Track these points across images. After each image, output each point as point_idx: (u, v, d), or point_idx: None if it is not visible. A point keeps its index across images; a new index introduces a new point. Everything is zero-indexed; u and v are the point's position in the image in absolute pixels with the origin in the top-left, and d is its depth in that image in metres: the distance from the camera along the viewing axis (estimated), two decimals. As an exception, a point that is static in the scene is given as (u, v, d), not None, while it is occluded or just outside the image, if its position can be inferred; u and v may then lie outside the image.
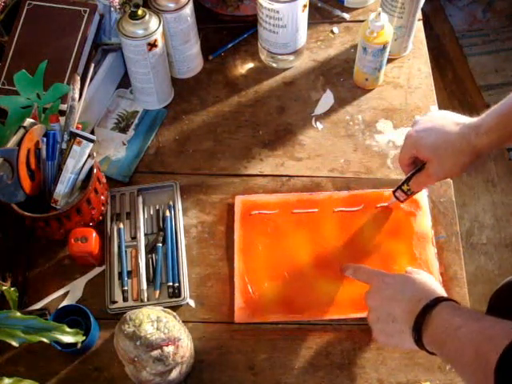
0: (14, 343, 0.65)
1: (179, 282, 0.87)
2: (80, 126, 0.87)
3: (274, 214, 0.93)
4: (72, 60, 0.97)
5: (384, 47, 0.98)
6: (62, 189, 0.85)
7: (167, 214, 0.93)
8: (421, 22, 1.14)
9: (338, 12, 1.16)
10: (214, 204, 0.96)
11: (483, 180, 1.84)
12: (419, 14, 1.10)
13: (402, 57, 1.10)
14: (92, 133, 1.02)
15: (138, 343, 0.73)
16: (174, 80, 1.08)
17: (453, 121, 0.78)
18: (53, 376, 0.82)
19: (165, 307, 0.83)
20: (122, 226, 0.92)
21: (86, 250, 0.85)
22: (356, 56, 1.04)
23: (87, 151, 0.85)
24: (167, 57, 1.02)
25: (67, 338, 0.69)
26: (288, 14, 0.98)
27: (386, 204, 0.92)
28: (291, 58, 1.09)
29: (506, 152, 1.88)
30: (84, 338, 0.72)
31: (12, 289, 0.74)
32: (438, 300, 0.67)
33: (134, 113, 1.06)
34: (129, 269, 0.89)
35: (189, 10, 0.99)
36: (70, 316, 0.83)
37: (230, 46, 1.13)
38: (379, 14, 0.95)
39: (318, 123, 1.04)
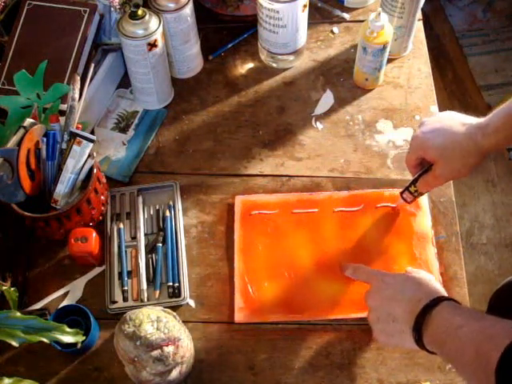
0: (14, 343, 0.65)
1: (179, 282, 0.87)
2: (80, 125, 0.87)
3: (274, 214, 0.93)
4: (72, 60, 0.97)
5: (384, 47, 0.98)
6: (61, 189, 0.85)
7: (167, 214, 0.93)
8: (421, 22, 1.14)
9: (338, 12, 1.16)
10: (214, 204, 0.96)
11: (483, 180, 1.84)
12: (419, 14, 1.10)
13: (402, 57, 1.10)
14: (92, 133, 1.02)
15: (138, 343, 0.73)
16: (174, 80, 1.08)
17: (459, 121, 0.78)
18: (53, 376, 0.82)
19: (165, 307, 0.83)
20: (122, 226, 0.92)
21: (86, 250, 0.85)
22: (356, 56, 1.04)
23: (87, 151, 0.85)
24: (167, 57, 1.02)
25: (67, 338, 0.69)
26: (288, 14, 0.98)
27: (388, 204, 0.92)
28: (291, 57, 1.09)
29: (506, 152, 1.87)
30: (84, 338, 0.72)
31: (12, 289, 0.74)
32: (439, 299, 0.67)
33: (133, 113, 1.06)
34: (129, 269, 0.89)
35: (189, 10, 0.99)
36: (70, 316, 0.83)
37: (230, 45, 1.13)
38: (379, 13, 0.95)
39: (317, 123, 1.04)
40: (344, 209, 0.93)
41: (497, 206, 1.80)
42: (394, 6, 1.00)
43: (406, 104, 1.05)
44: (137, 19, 0.93)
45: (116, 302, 0.87)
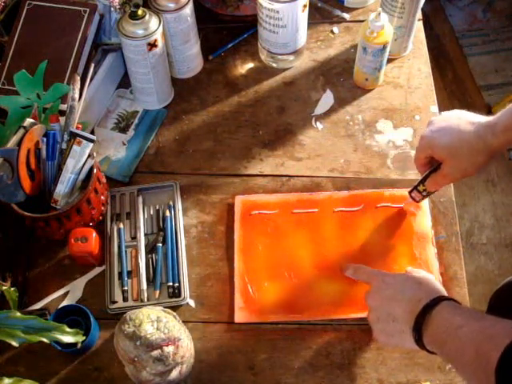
0: (14, 343, 0.65)
1: (179, 282, 0.87)
2: (80, 125, 0.87)
3: (274, 214, 0.93)
4: (72, 60, 0.97)
5: (384, 47, 0.98)
6: (61, 189, 0.85)
7: (167, 214, 0.93)
8: (421, 22, 1.14)
9: (338, 12, 1.16)
10: (214, 204, 0.96)
11: (483, 180, 1.84)
12: (419, 14, 1.10)
13: (402, 57, 1.10)
14: (92, 133, 1.02)
15: (138, 343, 0.73)
16: (174, 80, 1.08)
17: (467, 120, 0.77)
18: (53, 376, 0.82)
19: (165, 307, 0.83)
20: (122, 226, 0.92)
21: (86, 250, 0.85)
22: (356, 56, 1.04)
23: (87, 151, 0.85)
24: (167, 57, 1.02)
25: (67, 338, 0.69)
26: (288, 14, 0.98)
27: (388, 204, 0.92)
28: (291, 58, 1.09)
29: (506, 152, 1.87)
30: (84, 338, 0.72)
31: (12, 289, 0.74)
32: (439, 299, 0.67)
33: (134, 113, 1.06)
34: (129, 269, 0.89)
35: (189, 9, 0.99)
36: (70, 316, 0.83)
37: (230, 45, 1.13)
38: (379, 13, 0.95)
39: (318, 123, 1.04)
40: (344, 209, 0.93)
41: (497, 206, 1.80)
42: (394, 6, 1.00)
43: (405, 104, 1.05)
44: (137, 19, 0.93)
45: (116, 302, 0.87)
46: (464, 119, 0.78)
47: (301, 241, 0.90)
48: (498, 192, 1.83)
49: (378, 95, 1.06)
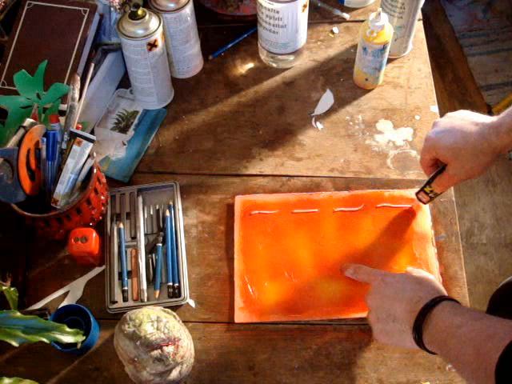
0: (14, 343, 0.65)
1: (179, 282, 0.87)
2: (80, 125, 0.87)
3: (274, 214, 0.93)
4: (72, 60, 0.97)
5: (384, 47, 0.98)
6: (61, 189, 0.85)
7: (167, 214, 0.93)
8: (421, 22, 1.14)
9: (338, 12, 1.16)
10: (214, 204, 0.96)
11: (483, 180, 1.84)
12: (419, 14, 1.10)
13: (402, 57, 1.10)
14: (92, 133, 1.02)
15: (137, 343, 0.73)
16: (174, 80, 1.08)
17: (472, 121, 0.77)
18: (53, 376, 0.82)
19: (165, 307, 0.83)
20: (122, 226, 0.92)
21: (85, 250, 0.85)
22: (356, 56, 1.04)
23: (87, 151, 0.85)
24: (167, 57, 1.02)
25: (67, 338, 0.69)
26: (288, 14, 0.98)
27: (389, 204, 0.92)
28: (291, 58, 1.09)
29: (506, 152, 1.87)
30: (84, 338, 0.72)
31: (12, 289, 0.74)
32: (439, 299, 0.67)
33: (134, 113, 1.06)
34: (129, 269, 0.89)
35: (189, 9, 0.99)
36: (70, 316, 0.82)
37: (230, 45, 1.13)
38: (379, 13, 0.95)
39: (317, 123, 1.04)
40: (344, 209, 0.93)
41: (497, 206, 1.80)
42: (394, 5, 1.00)
43: (405, 104, 1.05)
44: (137, 19, 0.93)
45: (116, 302, 0.87)
46: (468, 120, 0.78)
47: (301, 241, 0.90)
48: (498, 192, 1.83)
49: (378, 95, 1.06)
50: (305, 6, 1.00)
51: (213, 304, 0.87)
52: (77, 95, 0.87)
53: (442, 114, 0.87)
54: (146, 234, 0.92)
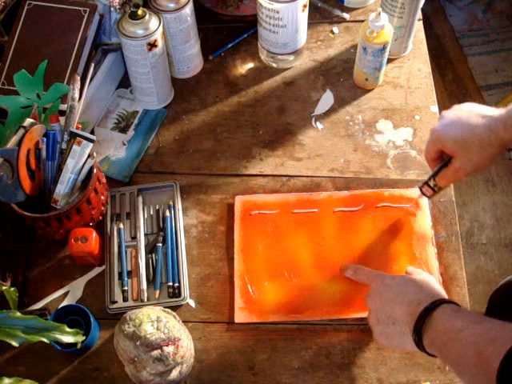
0: (14, 343, 0.65)
1: (179, 282, 0.87)
2: (80, 125, 0.87)
3: (274, 214, 0.93)
4: (72, 60, 0.97)
5: (384, 47, 0.98)
6: (61, 189, 0.85)
7: (167, 214, 0.93)
8: (421, 22, 1.14)
9: (338, 12, 1.16)
10: (214, 204, 0.96)
11: (483, 180, 1.84)
12: (419, 14, 1.10)
13: (402, 57, 1.10)
14: (92, 133, 1.02)
15: (137, 343, 0.73)
16: (174, 80, 1.08)
17: (479, 113, 0.76)
18: (53, 376, 0.82)
19: (165, 307, 0.83)
20: (121, 226, 0.92)
21: (85, 250, 0.85)
22: (356, 56, 1.04)
23: (87, 151, 0.85)
24: (167, 57, 1.02)
25: (67, 338, 0.69)
26: (288, 14, 0.98)
27: (389, 204, 0.92)
28: (291, 57, 1.09)
29: (506, 152, 1.88)
30: (84, 338, 0.72)
31: (12, 289, 0.74)
32: (439, 302, 0.67)
33: (133, 113, 1.06)
34: (129, 269, 0.89)
35: (189, 9, 0.99)
36: (70, 316, 0.82)
37: (230, 45, 1.13)
38: (379, 13, 0.95)
39: (317, 123, 1.04)
40: (344, 209, 0.93)
41: (497, 206, 1.80)
42: (394, 5, 1.00)
43: (406, 104, 1.05)
44: (137, 19, 0.93)
45: (116, 302, 0.87)
46: (475, 112, 0.77)
47: (301, 241, 0.90)
48: (498, 192, 1.83)
49: (378, 95, 1.06)
50: (305, 6, 1.00)
51: (213, 304, 0.87)
52: (77, 95, 0.87)
53: (441, 114, 0.87)
54: (145, 234, 0.92)
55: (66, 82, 0.95)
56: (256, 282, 0.87)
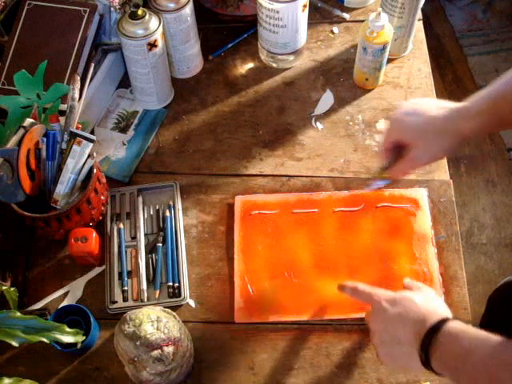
0: (14, 343, 0.65)
1: (179, 282, 0.87)
2: (80, 125, 0.87)
3: (274, 214, 0.93)
4: (72, 60, 0.97)
5: (384, 47, 0.98)
6: (61, 189, 0.85)
7: (167, 214, 0.93)
8: (421, 22, 1.14)
9: (338, 12, 1.16)
10: (214, 204, 0.96)
11: (483, 180, 1.84)
12: (419, 14, 1.10)
13: (402, 57, 1.10)
14: (92, 133, 1.02)
15: (137, 343, 0.73)
16: (174, 80, 1.08)
17: (438, 105, 0.77)
18: (53, 376, 0.82)
19: (165, 307, 0.83)
20: (122, 226, 0.92)
21: (85, 250, 0.85)
22: (356, 56, 1.04)
23: (87, 151, 0.85)
24: (167, 57, 1.02)
25: (67, 338, 0.69)
26: (288, 14, 0.98)
27: (389, 204, 0.92)
28: (291, 58, 1.09)
29: (506, 152, 1.88)
30: (84, 338, 0.72)
31: (12, 289, 0.74)
32: (443, 321, 0.65)
33: (133, 113, 1.06)
34: (129, 269, 0.89)
35: (189, 9, 0.99)
36: (70, 316, 0.82)
37: (230, 45, 1.13)
38: (379, 13, 0.95)
39: (317, 123, 1.04)
40: (344, 209, 0.93)
41: (497, 206, 1.80)
42: (394, 5, 1.00)
43: (406, 104, 1.05)
44: (137, 19, 0.93)
45: (116, 302, 0.87)
46: (433, 104, 0.77)
47: (301, 241, 0.90)
48: (498, 192, 1.83)
49: (378, 95, 1.06)
50: (305, 6, 1.00)
51: (213, 304, 0.87)
52: (77, 95, 0.87)
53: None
54: (146, 234, 0.92)
55: (66, 81, 0.95)
56: (256, 282, 0.87)
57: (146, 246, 0.91)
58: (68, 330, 0.69)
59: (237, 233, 0.91)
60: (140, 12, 0.92)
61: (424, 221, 0.91)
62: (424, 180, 0.95)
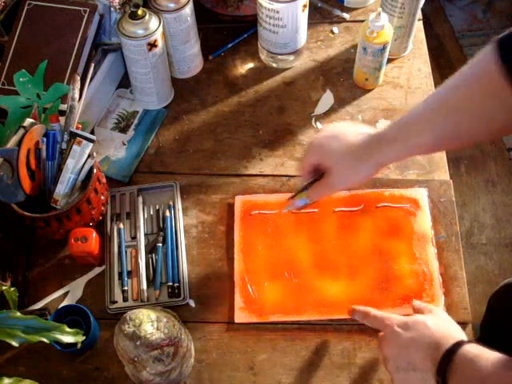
0: (14, 343, 0.65)
1: (179, 282, 0.87)
2: (80, 125, 0.87)
3: (274, 214, 0.93)
4: (72, 60, 0.97)
5: (384, 47, 0.98)
6: (61, 189, 0.85)
7: (167, 214, 0.93)
8: (421, 22, 1.14)
9: (338, 12, 1.16)
10: (214, 204, 0.96)
11: (483, 180, 1.84)
12: (419, 14, 1.09)
13: (402, 57, 1.10)
14: (92, 133, 1.02)
15: (138, 343, 0.73)
16: (174, 80, 1.08)
17: (358, 131, 0.76)
18: (53, 376, 0.82)
19: (165, 307, 0.83)
20: (121, 226, 0.92)
21: (85, 250, 0.85)
22: (356, 56, 1.04)
23: (87, 151, 0.85)
24: (167, 57, 1.02)
25: (67, 338, 0.69)
26: (288, 14, 0.98)
27: (389, 204, 0.92)
28: (291, 57, 1.09)
29: (506, 152, 1.88)
30: (84, 337, 0.72)
31: (12, 289, 0.74)
32: (458, 344, 0.64)
33: (134, 113, 1.06)
34: (129, 269, 0.89)
35: (189, 9, 0.99)
36: (70, 316, 0.82)
37: (230, 45, 1.13)
38: (379, 13, 0.95)
39: (317, 123, 1.04)
40: (344, 209, 0.93)
41: (497, 206, 1.80)
42: (394, 5, 1.00)
43: (405, 104, 1.05)
44: (137, 19, 0.93)
45: (116, 302, 0.87)
46: (354, 129, 0.77)
47: (301, 241, 0.90)
48: (498, 192, 1.83)
49: (378, 95, 1.06)
50: (305, 6, 1.00)
51: (213, 304, 0.87)
52: (77, 95, 0.87)
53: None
54: (146, 234, 0.92)
55: (66, 81, 0.95)
56: (256, 282, 0.87)
57: (145, 246, 0.91)
58: (68, 330, 0.69)
59: (237, 233, 0.91)
60: (140, 12, 0.92)
61: (424, 221, 0.91)
62: (424, 180, 0.95)
